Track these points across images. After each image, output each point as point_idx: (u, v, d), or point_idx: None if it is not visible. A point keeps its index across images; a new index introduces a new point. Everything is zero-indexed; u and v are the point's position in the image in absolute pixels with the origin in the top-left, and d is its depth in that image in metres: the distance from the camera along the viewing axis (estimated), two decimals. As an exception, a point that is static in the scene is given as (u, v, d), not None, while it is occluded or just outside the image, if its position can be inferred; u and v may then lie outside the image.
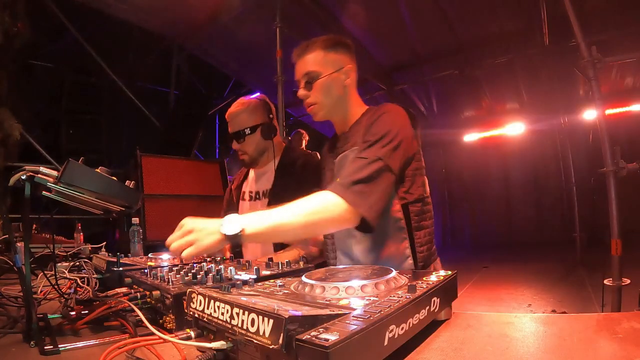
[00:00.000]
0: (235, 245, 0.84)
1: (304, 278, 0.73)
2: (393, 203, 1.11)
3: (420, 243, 1.12)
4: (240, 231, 0.83)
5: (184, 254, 0.82)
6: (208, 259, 1.24)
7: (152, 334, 0.62)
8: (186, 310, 0.64)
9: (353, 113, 1.21)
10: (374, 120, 1.09)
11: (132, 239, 1.72)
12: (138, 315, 0.74)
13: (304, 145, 4.34)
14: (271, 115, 1.58)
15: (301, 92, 1.18)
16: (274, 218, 0.88)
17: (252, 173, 1.71)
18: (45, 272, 1.15)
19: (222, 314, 0.55)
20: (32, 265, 1.26)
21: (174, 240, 0.83)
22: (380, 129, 1.05)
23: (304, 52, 1.17)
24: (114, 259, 1.20)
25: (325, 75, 1.14)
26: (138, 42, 6.40)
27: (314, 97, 1.17)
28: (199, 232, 0.83)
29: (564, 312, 3.58)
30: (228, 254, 1.47)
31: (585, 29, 3.03)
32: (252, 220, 0.86)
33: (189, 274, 0.88)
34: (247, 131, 1.54)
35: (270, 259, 1.06)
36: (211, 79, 7.72)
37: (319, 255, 1.45)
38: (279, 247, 1.49)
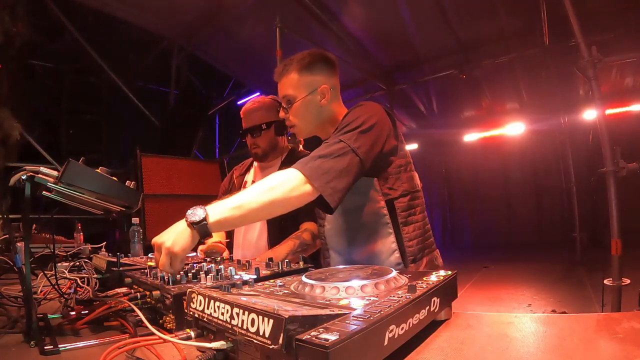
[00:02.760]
0: (205, 235, 0.84)
1: (304, 278, 0.73)
2: (377, 199, 1.11)
3: (409, 238, 1.13)
4: (205, 217, 0.83)
5: (171, 269, 0.83)
6: (208, 259, 1.24)
7: (152, 334, 0.62)
8: (186, 310, 0.64)
9: (335, 124, 1.19)
10: (347, 113, 1.11)
11: (132, 239, 1.72)
12: (138, 315, 0.74)
13: (301, 146, 4.33)
14: None
15: (281, 114, 1.22)
16: (236, 200, 0.88)
17: (256, 164, 1.78)
18: (45, 272, 1.15)
19: (222, 314, 0.55)
20: (32, 265, 1.26)
21: (157, 261, 0.84)
22: (347, 119, 1.06)
23: (281, 75, 1.19)
24: (114, 259, 1.19)
25: (300, 99, 1.16)
26: (138, 42, 6.40)
27: (292, 119, 1.19)
28: (168, 240, 0.83)
29: (564, 312, 3.58)
30: (227, 254, 1.47)
31: (585, 29, 3.03)
32: (215, 206, 0.87)
33: (189, 274, 0.88)
34: (263, 126, 1.63)
35: (271, 259, 1.07)
36: (211, 79, 7.72)
37: (313, 243, 1.47)
38: (274, 243, 1.50)
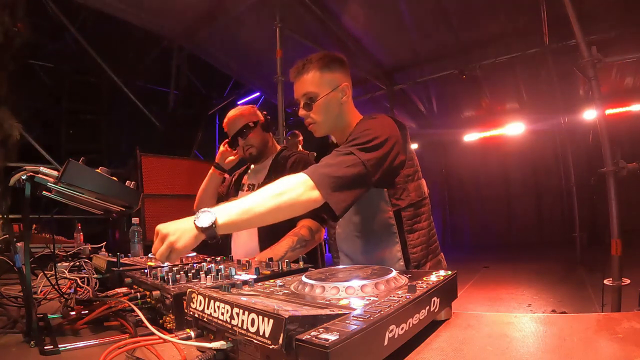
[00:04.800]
0: (211, 237, 0.85)
1: (304, 278, 0.73)
2: (386, 210, 1.15)
3: (413, 245, 1.16)
4: (214, 221, 0.83)
5: (168, 260, 0.83)
6: (208, 259, 1.24)
7: (152, 334, 0.62)
8: (186, 310, 0.64)
9: (350, 125, 1.23)
10: (358, 124, 1.14)
11: (132, 239, 1.72)
12: (138, 315, 0.74)
13: (300, 146, 4.33)
14: (264, 113, 1.76)
15: (301, 112, 1.23)
16: (245, 203, 0.89)
17: (252, 167, 1.83)
18: (45, 272, 1.15)
19: (222, 314, 0.55)
20: (32, 265, 1.26)
21: (156, 249, 0.84)
22: (359, 130, 1.08)
23: (300, 73, 1.20)
24: (114, 259, 1.20)
25: (323, 96, 1.18)
26: (138, 42, 6.40)
27: (314, 117, 1.21)
28: (173, 234, 0.83)
29: (564, 312, 3.58)
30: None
31: (585, 29, 3.03)
32: (224, 209, 0.87)
33: (189, 274, 0.88)
34: (251, 124, 1.67)
35: (271, 259, 1.07)
36: (211, 79, 7.72)
37: (311, 239, 1.48)
38: (264, 245, 1.50)
